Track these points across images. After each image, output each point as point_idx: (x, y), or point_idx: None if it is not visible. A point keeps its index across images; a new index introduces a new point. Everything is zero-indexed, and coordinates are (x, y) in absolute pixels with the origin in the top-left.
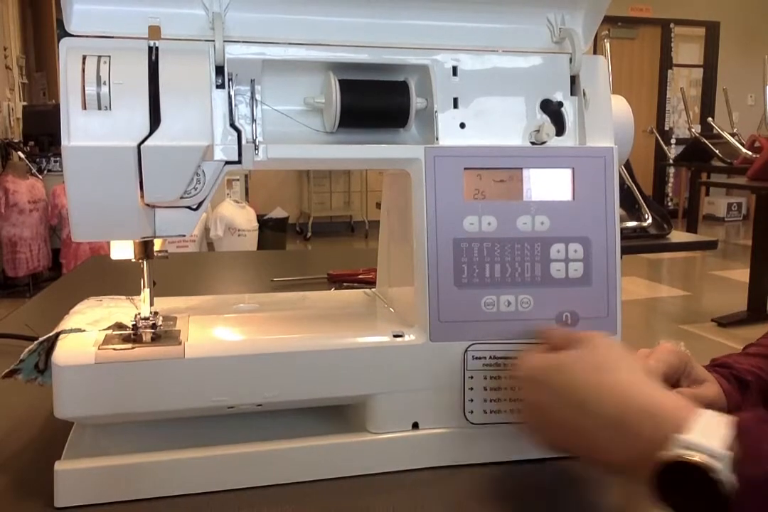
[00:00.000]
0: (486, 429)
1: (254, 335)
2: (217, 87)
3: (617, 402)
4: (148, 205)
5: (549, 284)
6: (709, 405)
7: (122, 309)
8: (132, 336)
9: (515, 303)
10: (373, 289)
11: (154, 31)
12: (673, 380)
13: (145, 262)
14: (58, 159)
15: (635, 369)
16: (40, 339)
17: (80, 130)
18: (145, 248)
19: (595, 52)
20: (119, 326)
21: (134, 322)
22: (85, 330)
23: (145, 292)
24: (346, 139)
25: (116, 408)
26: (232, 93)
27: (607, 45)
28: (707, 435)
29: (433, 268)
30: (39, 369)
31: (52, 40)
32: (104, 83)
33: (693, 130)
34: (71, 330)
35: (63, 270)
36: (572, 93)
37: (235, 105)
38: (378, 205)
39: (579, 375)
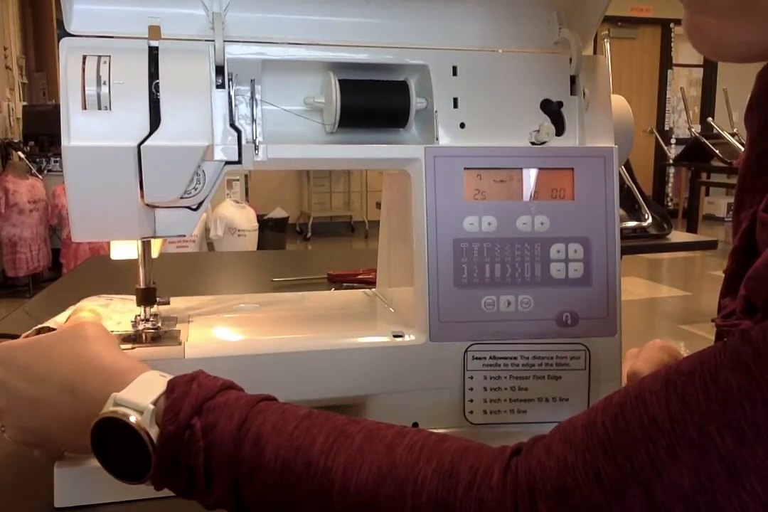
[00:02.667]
0: (486, 430)
1: (254, 335)
2: (217, 87)
3: (74, 368)
4: (148, 205)
5: (549, 284)
6: None
7: (126, 316)
8: (132, 336)
9: (515, 303)
10: (373, 289)
11: (154, 31)
12: None
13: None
14: (58, 159)
15: (101, 339)
16: (37, 327)
17: (80, 130)
18: (147, 295)
19: (595, 52)
20: (117, 332)
21: (134, 322)
22: None
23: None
24: (346, 139)
25: None
26: (232, 93)
27: (607, 45)
28: (141, 392)
29: (433, 268)
30: None
31: (52, 40)
32: (104, 83)
33: (693, 130)
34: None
35: (63, 271)
36: (572, 93)
37: (235, 105)
38: (378, 205)
39: (36, 351)
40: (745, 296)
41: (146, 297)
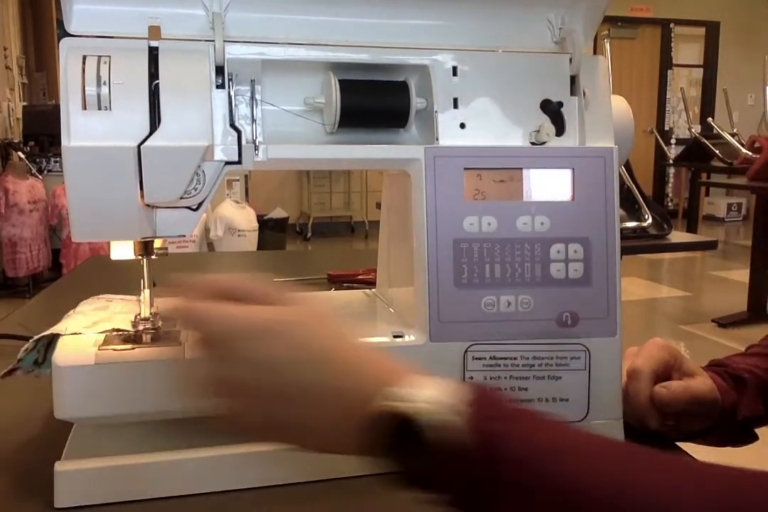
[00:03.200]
0: None
1: None
2: (217, 87)
3: (349, 357)
4: (148, 205)
5: (549, 284)
6: (701, 397)
7: (127, 316)
8: (132, 336)
9: (515, 303)
10: (373, 290)
11: (154, 31)
12: (665, 374)
13: (145, 263)
14: (58, 159)
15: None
16: (36, 337)
17: (80, 130)
18: (145, 248)
19: (595, 52)
20: (116, 331)
21: (134, 322)
22: (82, 334)
23: (145, 293)
24: (346, 139)
25: (116, 408)
26: (232, 93)
27: (607, 45)
28: (432, 390)
29: (433, 269)
30: (37, 363)
31: (52, 40)
32: (104, 83)
33: (693, 130)
34: (69, 334)
35: (63, 271)
36: (572, 93)
37: (235, 105)
38: (378, 206)
39: (314, 329)
40: None
41: (145, 249)
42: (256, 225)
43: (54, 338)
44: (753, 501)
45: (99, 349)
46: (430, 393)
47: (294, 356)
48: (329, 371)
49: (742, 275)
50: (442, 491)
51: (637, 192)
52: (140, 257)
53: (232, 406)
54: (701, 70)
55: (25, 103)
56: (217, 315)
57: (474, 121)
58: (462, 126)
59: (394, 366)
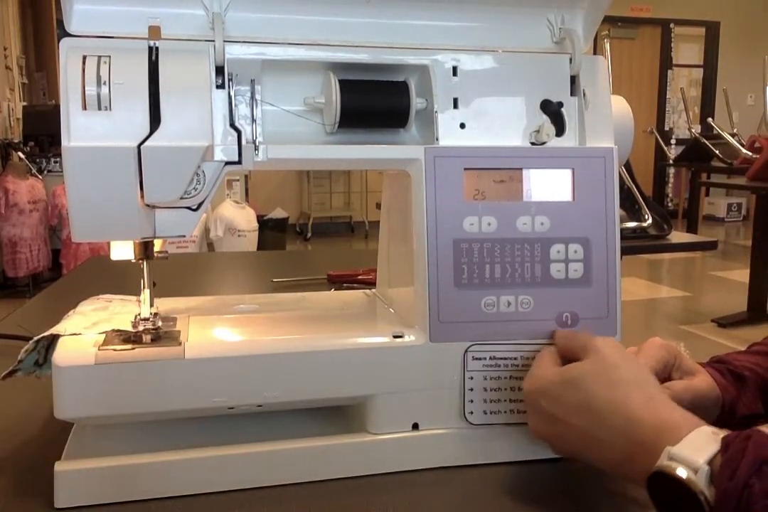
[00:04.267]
0: (486, 430)
1: (254, 336)
2: (217, 87)
3: (629, 417)
4: (148, 205)
5: (549, 284)
6: (702, 396)
7: (127, 316)
8: (132, 336)
9: (515, 303)
10: (373, 290)
11: (154, 31)
12: (665, 374)
13: (145, 263)
14: (58, 159)
15: (646, 384)
16: (36, 338)
17: (80, 130)
18: (145, 249)
19: (595, 52)
20: (116, 331)
21: (134, 323)
22: (82, 334)
23: (145, 293)
24: (346, 140)
25: (116, 408)
26: (232, 93)
27: (607, 45)
28: (696, 449)
29: (433, 269)
30: (38, 364)
31: (52, 40)
32: (104, 83)
33: (693, 130)
34: (69, 335)
35: (63, 271)
36: (572, 93)
37: (235, 105)
38: (378, 206)
39: (593, 391)
40: None
41: (144, 251)
42: (256, 225)
43: (54, 339)
44: None
45: (99, 349)
46: (689, 453)
47: (610, 408)
48: (612, 421)
49: (742, 275)
50: None
51: (637, 192)
52: (140, 261)
53: (545, 433)
54: (701, 70)
55: (25, 103)
56: (545, 372)
57: (474, 121)
58: (462, 126)
59: (677, 419)
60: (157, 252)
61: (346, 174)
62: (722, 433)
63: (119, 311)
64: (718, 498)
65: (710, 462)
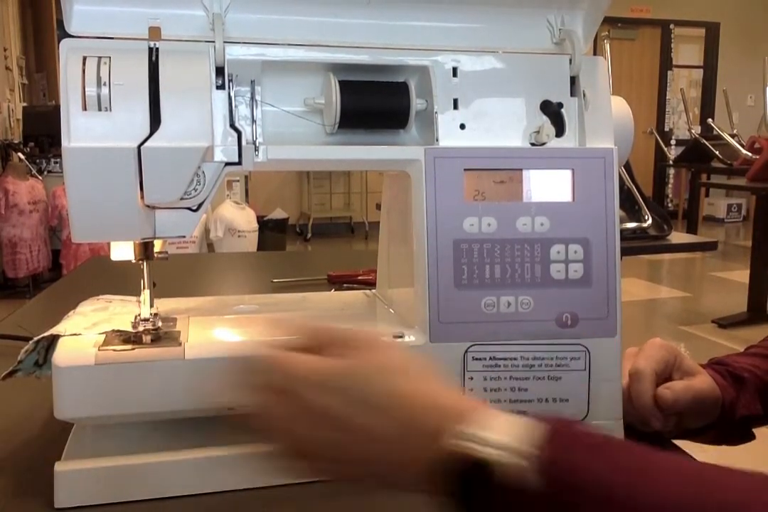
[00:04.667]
0: None
1: (254, 336)
2: (217, 88)
3: (411, 403)
4: (148, 206)
5: (549, 285)
6: (703, 396)
7: (127, 316)
8: (132, 337)
9: (515, 304)
10: (373, 290)
11: (155, 32)
12: (666, 374)
13: (145, 263)
14: (58, 160)
15: (428, 376)
16: (35, 338)
17: (80, 130)
18: (145, 249)
19: (595, 53)
20: (116, 332)
21: (134, 323)
22: (82, 335)
23: (145, 293)
24: (346, 140)
25: (116, 409)
26: (232, 94)
27: (607, 46)
28: (502, 431)
29: (433, 269)
30: (38, 364)
31: (52, 41)
32: (104, 84)
33: (693, 131)
34: (69, 335)
35: (63, 271)
36: (572, 94)
37: (235, 106)
38: (378, 206)
39: (376, 380)
40: None
41: (144, 251)
42: (256, 226)
43: (54, 339)
44: None
45: (99, 350)
46: (499, 437)
47: (357, 404)
48: (395, 414)
49: (742, 276)
50: None
51: (637, 192)
52: (140, 261)
53: (305, 438)
54: (701, 70)
55: (25, 104)
56: (288, 364)
57: (474, 122)
58: (462, 127)
59: (461, 401)
60: (157, 252)
61: (346, 175)
62: (516, 416)
63: (119, 311)
64: (541, 485)
65: (535, 446)
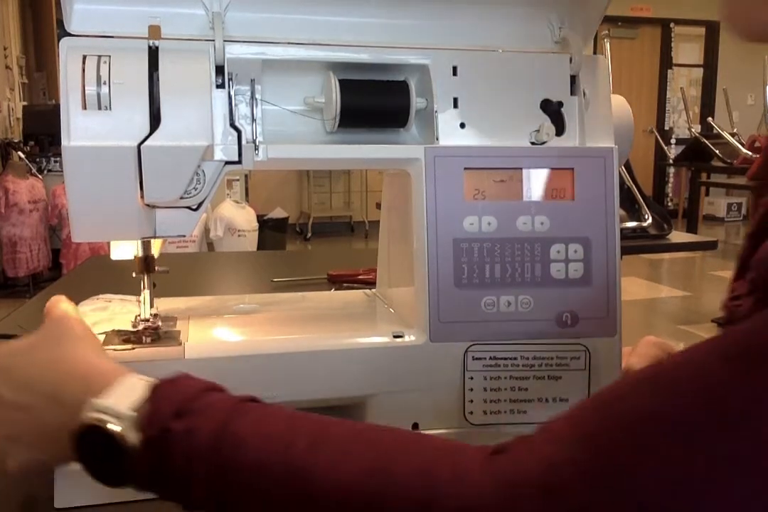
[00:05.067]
0: (486, 430)
1: (254, 336)
2: (217, 87)
3: (57, 375)
4: (148, 205)
5: (549, 284)
6: None
7: (127, 316)
8: (132, 336)
9: (515, 303)
10: (373, 290)
11: (155, 31)
12: None
13: (145, 276)
14: (58, 159)
15: (83, 341)
16: None
17: (80, 129)
18: (145, 263)
19: (595, 52)
20: (116, 332)
21: (134, 323)
22: None
23: (145, 293)
24: (346, 139)
25: None
26: (232, 93)
27: (607, 45)
28: (120, 398)
29: (433, 269)
30: None
31: (52, 40)
32: (104, 83)
33: (693, 130)
34: None
35: (63, 271)
36: (572, 93)
37: (235, 105)
38: (378, 205)
39: (22, 355)
40: (751, 279)
41: (146, 266)
42: (256, 225)
43: None
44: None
45: None
46: (112, 403)
47: (6, 381)
48: (39, 388)
49: None
50: (156, 493)
51: (637, 192)
52: (141, 275)
53: None
54: (701, 69)
55: (25, 103)
56: None
57: (474, 121)
58: (462, 126)
59: (101, 371)
60: (158, 268)
61: (346, 174)
62: (151, 380)
63: (119, 311)
64: (142, 447)
65: (136, 409)
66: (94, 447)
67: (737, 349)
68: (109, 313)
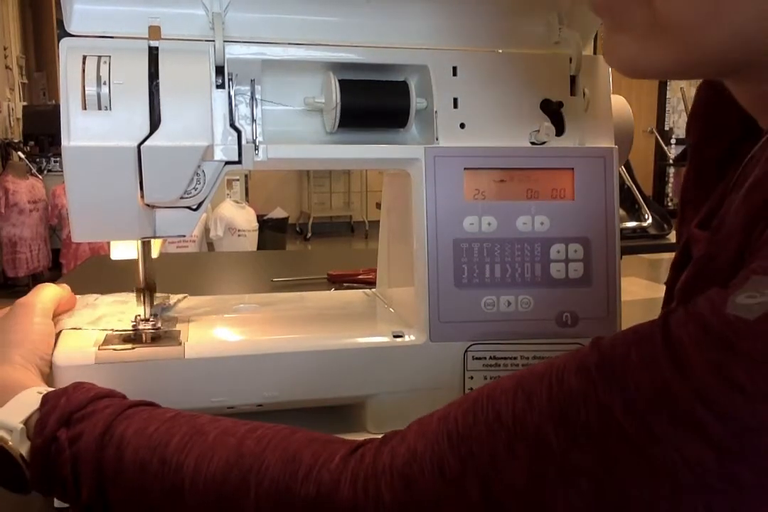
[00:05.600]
0: None
1: (254, 335)
2: (217, 87)
3: None
4: (148, 205)
5: (549, 284)
6: None
7: (126, 314)
8: (132, 336)
9: (515, 303)
10: (372, 289)
11: (155, 31)
12: None
13: (142, 262)
14: (58, 159)
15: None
16: None
17: (80, 130)
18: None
19: (595, 52)
20: (117, 331)
21: (134, 323)
22: (82, 329)
23: (145, 293)
24: (346, 139)
25: None
26: (232, 93)
27: None
28: (13, 412)
29: (433, 268)
30: None
31: (52, 40)
32: (104, 83)
33: None
34: (69, 329)
35: (63, 271)
36: (572, 93)
37: (235, 105)
38: (378, 206)
39: None
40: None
41: (147, 296)
42: (256, 225)
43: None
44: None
45: (99, 349)
46: (6, 416)
47: None
48: None
49: None
50: (55, 497)
51: (637, 192)
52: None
53: None
54: None
55: (25, 103)
56: None
57: (474, 121)
58: (462, 126)
59: (18, 379)
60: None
61: (346, 174)
62: (47, 391)
63: (113, 311)
64: (30, 456)
65: (26, 421)
66: None
67: (593, 360)
68: (104, 313)
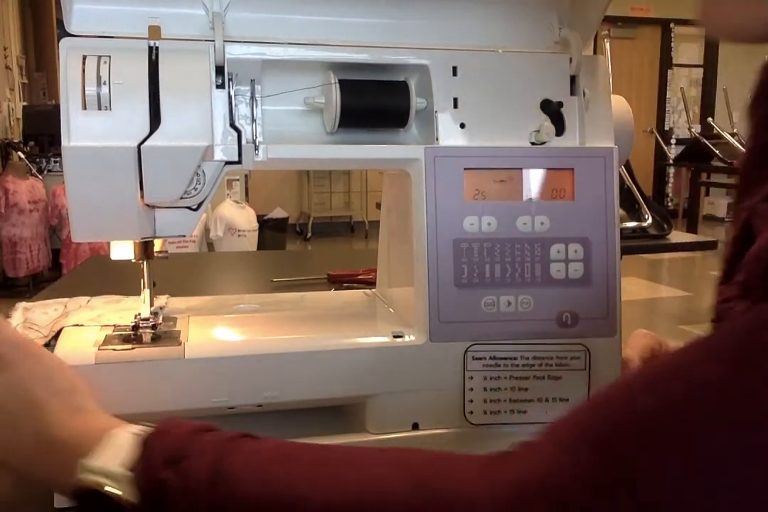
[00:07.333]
0: (486, 430)
1: (254, 335)
2: (218, 87)
3: (42, 431)
4: (148, 205)
5: (549, 284)
6: None
7: (123, 313)
8: (132, 336)
9: (515, 303)
10: (373, 290)
11: (154, 31)
12: (653, 360)
13: (145, 263)
14: (58, 159)
15: (60, 395)
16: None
17: (80, 130)
18: (145, 248)
19: (595, 52)
20: (117, 331)
21: (134, 322)
22: (84, 325)
23: (145, 293)
24: (346, 139)
25: (116, 408)
26: (232, 93)
27: (607, 45)
28: (111, 456)
29: (433, 268)
30: None
31: (52, 40)
32: (104, 83)
33: (693, 130)
34: (71, 325)
35: (63, 271)
36: (572, 93)
37: (235, 105)
38: (378, 206)
39: (14, 390)
40: (742, 281)
41: (144, 251)
42: (256, 225)
43: (57, 334)
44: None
45: (99, 349)
46: (104, 463)
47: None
48: (29, 426)
49: None
50: None
51: (637, 192)
52: (140, 261)
53: None
54: (701, 69)
55: (25, 103)
56: None
57: (474, 121)
58: (462, 126)
59: (91, 427)
60: (157, 252)
61: (346, 174)
62: (137, 430)
63: (112, 309)
64: (141, 501)
65: (130, 467)
66: (95, 506)
67: (727, 350)
68: (100, 313)
